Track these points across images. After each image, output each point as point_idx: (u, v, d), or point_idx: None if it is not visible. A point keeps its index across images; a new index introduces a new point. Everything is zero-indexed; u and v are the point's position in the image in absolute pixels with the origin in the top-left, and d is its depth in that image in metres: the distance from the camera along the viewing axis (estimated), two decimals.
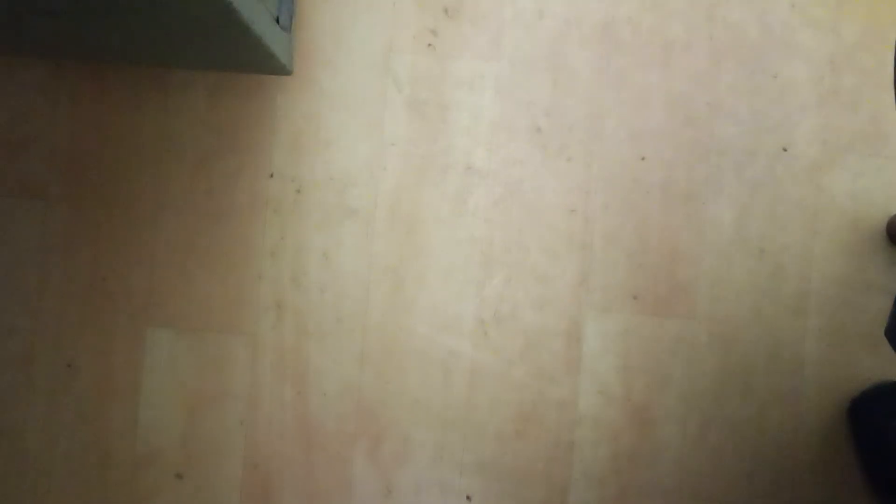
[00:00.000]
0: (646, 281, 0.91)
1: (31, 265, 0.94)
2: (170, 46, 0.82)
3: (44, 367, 0.93)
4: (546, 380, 0.91)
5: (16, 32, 0.80)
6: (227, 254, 0.92)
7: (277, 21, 0.83)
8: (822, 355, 0.90)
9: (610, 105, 0.92)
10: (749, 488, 0.90)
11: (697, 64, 0.92)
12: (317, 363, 0.91)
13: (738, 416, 0.90)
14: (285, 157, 0.93)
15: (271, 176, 0.93)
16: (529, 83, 0.92)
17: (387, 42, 0.93)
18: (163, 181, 0.93)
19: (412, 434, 0.91)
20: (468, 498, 0.90)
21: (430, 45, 0.93)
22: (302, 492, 0.91)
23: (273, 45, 0.79)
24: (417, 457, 0.91)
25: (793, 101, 0.92)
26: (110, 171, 0.94)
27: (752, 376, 0.90)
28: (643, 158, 0.92)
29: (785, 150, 0.92)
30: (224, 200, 0.93)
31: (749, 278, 0.91)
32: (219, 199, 0.93)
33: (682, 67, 0.92)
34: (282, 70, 0.89)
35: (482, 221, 0.91)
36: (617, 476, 0.90)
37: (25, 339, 0.93)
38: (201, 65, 0.91)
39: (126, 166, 0.94)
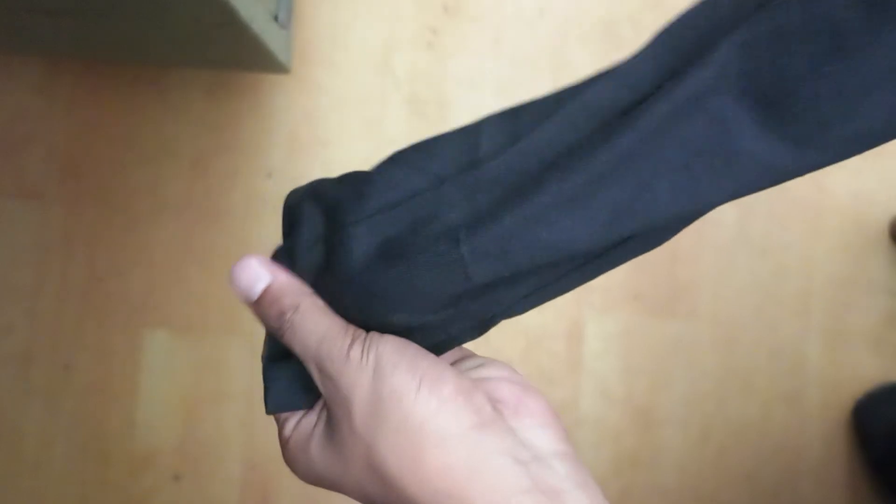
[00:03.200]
0: (647, 281, 0.90)
1: (27, 265, 0.93)
2: (167, 45, 0.81)
3: (41, 367, 0.92)
4: (547, 381, 0.90)
5: (13, 31, 0.80)
6: (224, 254, 0.92)
7: (276, 19, 0.83)
8: (824, 356, 0.90)
9: None
10: (751, 489, 0.90)
11: None
12: None
13: (740, 416, 0.90)
14: (283, 156, 0.92)
15: (269, 175, 0.92)
16: (530, 82, 0.92)
17: (386, 40, 0.92)
18: (160, 181, 0.93)
19: None
20: None
21: (429, 43, 0.92)
22: (301, 493, 0.91)
23: (271, 43, 0.78)
24: None
25: None
26: (107, 171, 0.93)
27: (753, 377, 0.90)
28: None
29: None
30: (222, 200, 0.92)
31: (751, 278, 0.91)
32: (216, 199, 0.92)
33: None
34: (280, 68, 0.88)
35: None
36: (618, 477, 0.90)
37: (22, 339, 0.93)
38: (199, 63, 0.91)
39: (123, 166, 0.93)
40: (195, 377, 0.91)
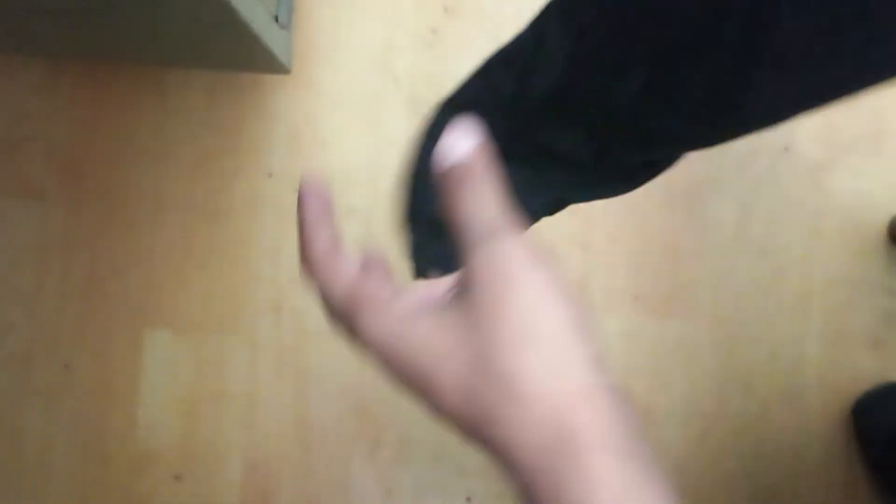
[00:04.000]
0: (647, 281, 0.90)
1: (28, 265, 0.93)
2: (168, 45, 0.81)
3: (41, 367, 0.92)
4: None
5: (13, 31, 0.80)
6: (225, 254, 0.92)
7: (276, 20, 0.83)
8: (823, 356, 0.90)
9: None
10: (751, 489, 0.90)
11: None
12: (317, 363, 0.91)
13: (739, 417, 0.90)
14: (284, 156, 0.92)
15: (270, 175, 0.92)
16: None
17: (386, 41, 0.92)
18: (161, 181, 0.93)
19: (412, 434, 0.90)
20: (468, 499, 0.90)
21: (429, 43, 0.92)
22: (301, 493, 0.91)
23: (272, 43, 0.78)
24: (417, 457, 0.90)
25: None
26: (108, 171, 0.93)
27: (753, 377, 0.90)
28: None
29: (786, 149, 0.91)
30: (222, 200, 0.92)
31: (750, 278, 0.91)
32: (217, 199, 0.92)
33: None
34: (280, 69, 0.88)
35: None
36: None
37: (23, 339, 0.93)
38: (199, 64, 0.91)
39: (124, 166, 0.93)
40: (195, 377, 0.91)
